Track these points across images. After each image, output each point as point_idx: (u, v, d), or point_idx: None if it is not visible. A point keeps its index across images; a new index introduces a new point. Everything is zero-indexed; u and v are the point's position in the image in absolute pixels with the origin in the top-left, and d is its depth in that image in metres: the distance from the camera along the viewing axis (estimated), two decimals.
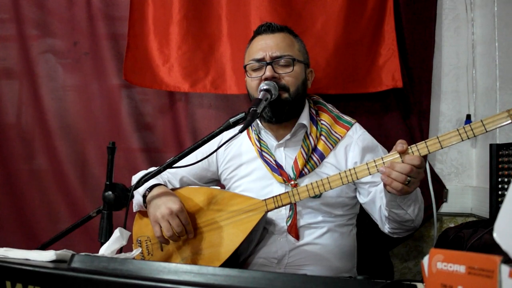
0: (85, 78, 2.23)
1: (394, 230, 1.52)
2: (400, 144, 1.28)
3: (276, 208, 1.45)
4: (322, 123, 1.63)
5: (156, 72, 2.08)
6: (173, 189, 1.63)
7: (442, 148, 1.25)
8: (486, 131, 1.19)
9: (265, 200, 1.46)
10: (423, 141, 1.27)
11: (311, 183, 1.39)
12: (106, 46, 2.19)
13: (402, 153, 1.28)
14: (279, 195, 1.44)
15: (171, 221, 1.43)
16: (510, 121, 1.16)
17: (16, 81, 2.28)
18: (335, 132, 1.62)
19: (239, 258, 1.54)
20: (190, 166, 1.52)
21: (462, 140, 1.22)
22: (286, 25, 1.78)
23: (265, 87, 1.48)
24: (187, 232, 1.47)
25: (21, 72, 2.25)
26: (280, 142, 1.62)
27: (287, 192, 1.43)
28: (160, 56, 2.08)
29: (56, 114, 2.23)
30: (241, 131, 1.37)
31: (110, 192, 1.30)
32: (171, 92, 2.17)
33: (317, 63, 1.97)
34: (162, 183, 1.62)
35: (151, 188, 1.55)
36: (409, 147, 1.27)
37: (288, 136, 1.61)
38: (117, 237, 1.14)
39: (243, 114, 1.37)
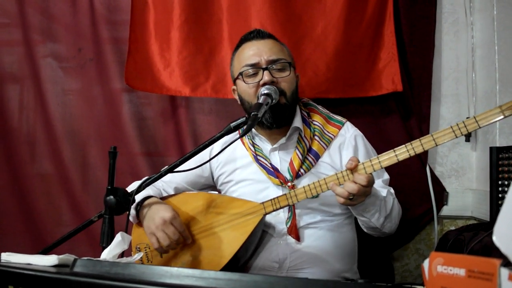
0: (89, 83, 2.24)
1: (366, 230, 1.56)
2: (349, 161, 1.32)
3: (274, 210, 1.46)
4: (314, 124, 1.64)
5: (157, 76, 2.09)
6: (172, 195, 1.64)
7: (436, 145, 1.26)
8: (480, 127, 1.21)
9: (263, 203, 1.46)
10: (418, 139, 1.27)
11: (309, 185, 1.40)
12: (109, 51, 2.20)
13: (351, 170, 1.32)
14: (277, 197, 1.45)
15: (166, 230, 1.43)
16: (502, 116, 1.18)
17: (21, 86, 2.30)
18: (328, 131, 1.63)
19: (239, 262, 1.54)
20: (185, 173, 1.53)
21: (456, 137, 1.24)
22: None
23: (266, 92, 1.49)
24: (184, 237, 1.47)
25: (26, 78, 2.27)
26: (274, 146, 1.63)
27: (285, 194, 1.44)
28: (161, 61, 2.09)
29: (60, 118, 2.25)
30: (241, 136, 1.38)
31: (111, 197, 1.30)
32: (173, 97, 2.17)
33: (318, 67, 1.98)
34: (153, 194, 1.60)
35: (142, 201, 1.55)
36: (411, 143, 1.28)
37: (283, 140, 1.62)
38: (119, 242, 1.15)
39: (244, 118, 1.38)
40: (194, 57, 2.07)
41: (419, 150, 1.27)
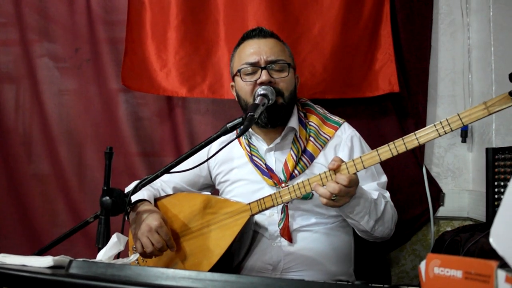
0: (85, 83, 2.24)
1: (358, 233, 1.54)
2: (332, 162, 1.31)
3: (260, 211, 1.45)
4: (310, 125, 1.64)
5: (153, 77, 2.08)
6: (166, 196, 1.64)
7: (419, 144, 1.23)
8: (464, 125, 1.18)
9: (249, 203, 1.46)
10: (401, 138, 1.25)
11: (293, 185, 1.39)
12: (106, 51, 2.20)
13: (334, 170, 1.31)
14: (263, 198, 1.44)
15: (150, 237, 1.43)
16: (487, 113, 1.15)
17: (18, 86, 2.29)
18: (324, 132, 1.63)
19: (232, 263, 1.54)
20: (183, 173, 1.52)
21: (440, 135, 1.21)
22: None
23: (262, 92, 1.49)
24: (169, 246, 1.46)
25: (23, 78, 2.26)
26: (270, 146, 1.62)
27: (270, 195, 1.43)
28: (157, 61, 2.09)
29: (57, 119, 2.24)
30: (238, 136, 1.37)
31: (107, 197, 1.30)
32: (169, 97, 2.17)
33: (314, 68, 1.98)
34: (149, 195, 1.59)
35: (134, 204, 1.54)
36: (393, 142, 1.26)
37: (278, 140, 1.61)
38: (115, 243, 1.14)
39: (241, 119, 1.38)
40: (190, 57, 2.07)
41: (401, 149, 1.25)
